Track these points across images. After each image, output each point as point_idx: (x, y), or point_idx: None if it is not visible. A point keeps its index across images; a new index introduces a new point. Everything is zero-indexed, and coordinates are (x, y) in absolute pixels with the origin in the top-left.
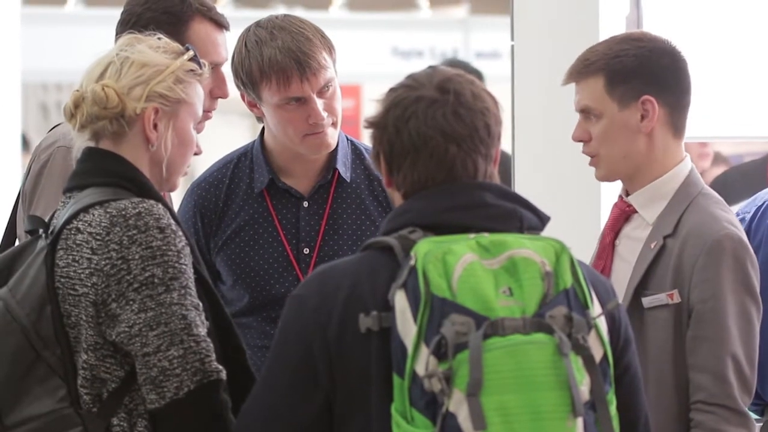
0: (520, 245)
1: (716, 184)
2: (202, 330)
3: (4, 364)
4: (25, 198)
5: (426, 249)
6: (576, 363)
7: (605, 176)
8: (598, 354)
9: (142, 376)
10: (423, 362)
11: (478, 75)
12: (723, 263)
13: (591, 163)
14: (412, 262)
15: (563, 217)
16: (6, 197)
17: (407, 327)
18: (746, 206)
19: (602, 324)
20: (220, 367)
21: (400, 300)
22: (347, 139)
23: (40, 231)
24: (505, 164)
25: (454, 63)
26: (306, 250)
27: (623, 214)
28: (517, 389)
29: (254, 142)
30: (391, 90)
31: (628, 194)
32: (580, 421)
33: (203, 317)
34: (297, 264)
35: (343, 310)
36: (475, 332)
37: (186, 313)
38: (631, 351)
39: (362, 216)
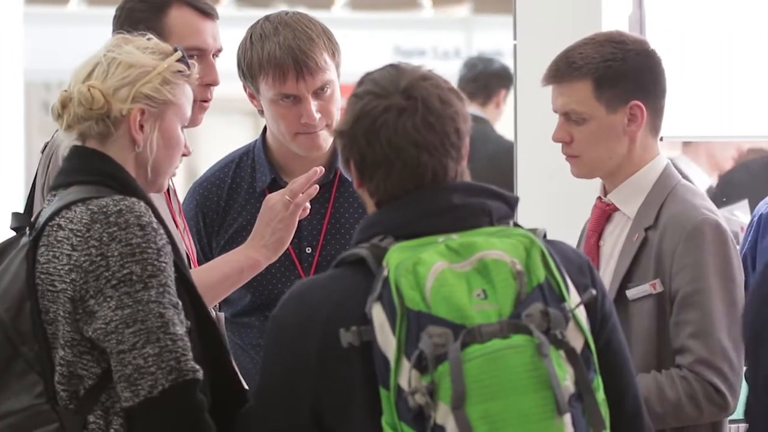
0: (490, 246)
1: (723, 181)
2: (180, 329)
3: None
4: (47, 190)
5: (397, 260)
6: (557, 358)
7: (586, 174)
8: (578, 344)
9: (117, 374)
10: (405, 376)
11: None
12: (703, 248)
13: (571, 162)
14: (384, 273)
15: (566, 215)
16: (9, 196)
17: (387, 340)
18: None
19: (580, 311)
20: (197, 366)
21: (378, 314)
22: None
23: (26, 229)
24: (509, 152)
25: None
26: (308, 250)
27: (604, 213)
28: (501, 395)
29: (256, 141)
30: (356, 97)
31: (606, 194)
32: (567, 416)
33: (182, 316)
34: (299, 263)
35: (323, 333)
36: (453, 343)
37: (163, 312)
38: (610, 325)
39: (364, 215)
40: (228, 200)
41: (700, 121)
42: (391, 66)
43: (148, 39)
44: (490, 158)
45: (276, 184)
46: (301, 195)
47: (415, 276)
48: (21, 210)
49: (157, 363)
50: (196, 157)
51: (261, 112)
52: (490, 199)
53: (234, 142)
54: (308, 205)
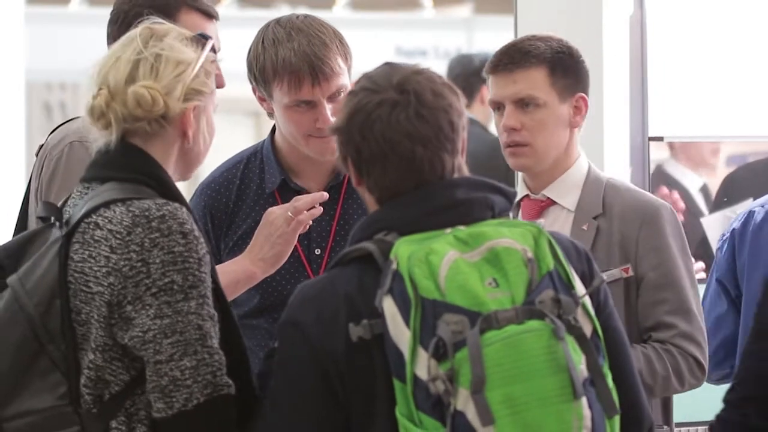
0: (500, 235)
1: (726, 182)
2: (216, 342)
3: (7, 354)
4: (40, 194)
5: (408, 251)
6: (571, 343)
7: (531, 165)
8: (587, 330)
9: (152, 384)
10: (424, 366)
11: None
12: (665, 231)
13: (516, 152)
14: (393, 266)
15: None
16: (11, 197)
17: (400, 332)
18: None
19: (587, 299)
20: (231, 381)
21: (389, 306)
22: None
23: (53, 219)
24: (493, 151)
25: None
26: (317, 251)
27: (539, 210)
28: (521, 379)
29: (263, 142)
30: (352, 93)
31: (532, 193)
32: (584, 399)
33: (217, 328)
34: (308, 265)
35: (347, 332)
36: (471, 329)
37: (202, 324)
38: (606, 314)
39: None
40: (237, 201)
41: (701, 121)
42: (387, 64)
43: (170, 26)
44: (471, 156)
45: (286, 186)
46: (304, 213)
47: (429, 265)
48: (17, 213)
49: (193, 376)
50: None
51: (270, 114)
52: (491, 193)
53: (236, 143)
54: (310, 222)
